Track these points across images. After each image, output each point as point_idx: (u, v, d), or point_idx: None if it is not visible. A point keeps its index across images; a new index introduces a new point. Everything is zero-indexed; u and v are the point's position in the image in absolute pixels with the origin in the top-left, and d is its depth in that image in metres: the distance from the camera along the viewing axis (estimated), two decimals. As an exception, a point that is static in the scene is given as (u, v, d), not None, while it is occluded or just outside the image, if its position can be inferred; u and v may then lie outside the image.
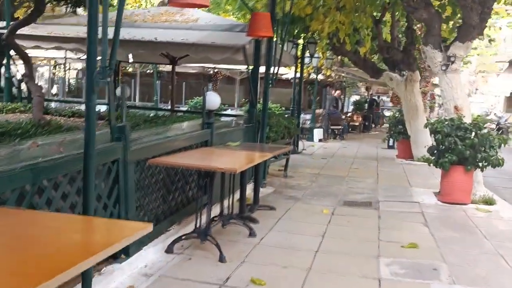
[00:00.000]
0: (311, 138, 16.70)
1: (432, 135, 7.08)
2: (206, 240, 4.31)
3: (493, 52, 31.79)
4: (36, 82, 6.84)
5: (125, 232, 2.03)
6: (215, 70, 22.21)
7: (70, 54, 17.02)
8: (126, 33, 7.47)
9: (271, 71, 7.39)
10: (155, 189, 4.34)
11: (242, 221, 4.98)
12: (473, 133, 6.67)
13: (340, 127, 18.23)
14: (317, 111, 18.78)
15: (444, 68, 7.23)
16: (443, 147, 6.85)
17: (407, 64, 11.23)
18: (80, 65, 24.18)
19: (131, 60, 11.55)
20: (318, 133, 16.85)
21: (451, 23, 8.57)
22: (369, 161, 11.78)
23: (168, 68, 20.29)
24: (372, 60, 13.00)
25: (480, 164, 6.75)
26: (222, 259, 4.09)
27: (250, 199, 6.31)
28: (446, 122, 6.82)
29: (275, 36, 7.39)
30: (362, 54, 11.17)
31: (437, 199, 7.15)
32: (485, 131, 6.80)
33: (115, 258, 3.63)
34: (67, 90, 25.13)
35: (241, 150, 5.32)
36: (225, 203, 5.17)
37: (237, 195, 5.77)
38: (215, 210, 5.11)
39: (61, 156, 3.05)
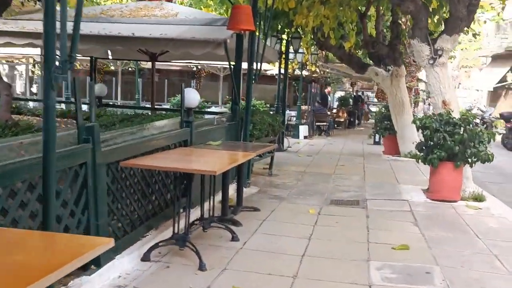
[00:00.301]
0: (296, 135, 16.48)
1: (420, 130, 6.88)
2: (185, 247, 4.03)
3: (476, 46, 31.90)
4: (5, 80, 6.49)
5: (82, 249, 1.76)
6: (199, 67, 21.86)
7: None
8: (102, 29, 7.17)
9: (254, 66, 7.12)
10: (129, 192, 4.05)
11: (224, 225, 4.71)
12: (462, 128, 6.48)
13: (325, 123, 18.04)
14: (303, 107, 18.58)
15: (431, 61, 7.03)
16: (432, 143, 6.65)
17: (392, 58, 11.05)
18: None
19: (110, 56, 11.21)
20: (303, 130, 16.63)
21: (436, 17, 8.37)
22: (356, 158, 11.59)
23: (149, 65, 19.96)
24: (357, 55, 12.80)
25: (470, 160, 6.57)
26: (202, 267, 3.82)
27: (234, 200, 6.06)
28: (435, 117, 6.62)
29: (257, 30, 7.12)
30: (347, 49, 10.96)
31: (426, 197, 6.96)
32: (498, 129, 6.62)
33: (84, 269, 3.34)
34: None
35: (223, 150, 5.05)
36: (206, 205, 4.90)
37: (219, 197, 5.51)
38: (196, 213, 4.84)
39: (18, 160, 2.75)
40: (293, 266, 4.05)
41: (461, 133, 6.39)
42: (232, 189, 6.76)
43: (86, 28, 7.37)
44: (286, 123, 18.01)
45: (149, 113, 8.70)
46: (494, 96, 31.88)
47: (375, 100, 25.70)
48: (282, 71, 13.18)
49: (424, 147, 6.82)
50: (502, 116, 19.13)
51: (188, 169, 3.68)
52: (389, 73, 11.47)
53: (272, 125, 8.01)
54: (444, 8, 7.46)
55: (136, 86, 18.78)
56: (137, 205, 4.20)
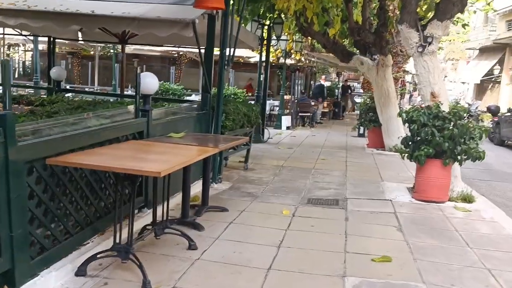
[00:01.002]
0: (279, 126, 15.89)
1: (407, 124, 6.30)
2: (128, 259, 3.41)
3: (464, 38, 31.49)
4: None
5: None
6: (180, 53, 21.05)
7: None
8: (58, 5, 6.43)
9: (227, 51, 6.47)
10: (63, 194, 3.39)
11: (179, 230, 4.08)
12: (452, 123, 5.92)
13: (309, 114, 17.46)
14: (286, 97, 17.97)
15: (420, 49, 6.44)
16: (419, 138, 6.10)
17: (379, 47, 10.45)
18: (40, 46, 22.63)
19: (80, 38, 10.45)
20: (286, 120, 16.03)
21: (427, 1, 7.77)
22: (338, 151, 11.03)
23: (128, 50, 19.11)
24: (343, 43, 12.17)
25: (459, 157, 6.03)
26: (145, 284, 3.20)
27: (200, 198, 5.45)
28: (422, 111, 6.05)
29: (231, 11, 6.46)
30: (331, 35, 10.33)
31: (411, 196, 6.41)
32: (465, 120, 6.07)
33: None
34: (22, 73, 23.59)
35: (184, 143, 4.41)
36: (166, 206, 4.27)
37: (179, 197, 4.89)
38: (147, 218, 4.22)
39: None
40: (256, 283, 3.45)
41: (451, 128, 5.82)
42: (199, 186, 6.16)
43: (40, 3, 6.68)
44: (269, 113, 17.48)
45: (108, 100, 8.00)
46: (481, 89, 31.62)
47: (361, 91, 25.13)
48: (264, 58, 12.54)
49: (410, 143, 6.26)
50: (489, 109, 18.75)
51: (125, 168, 3.04)
52: (375, 62, 10.86)
53: (247, 116, 7.38)
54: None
55: (113, 72, 17.96)
56: (74, 207, 3.55)
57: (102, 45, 18.03)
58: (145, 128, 4.58)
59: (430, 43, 6.41)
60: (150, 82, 4.58)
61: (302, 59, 21.85)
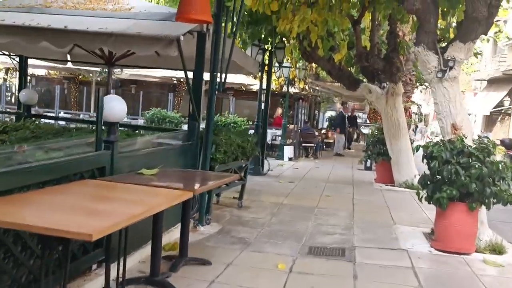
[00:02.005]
0: (281, 156, 15.03)
1: (425, 161, 5.41)
2: None
3: (473, 69, 30.79)
4: None
5: None
6: (181, 80, 20.36)
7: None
8: (29, 20, 5.68)
9: (218, 73, 5.66)
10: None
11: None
12: (480, 160, 5.02)
13: (312, 144, 16.60)
14: (289, 126, 17.16)
15: (439, 75, 5.61)
16: (440, 177, 5.19)
17: (388, 74, 9.66)
18: (38, 71, 22.09)
19: (69, 58, 9.70)
20: (288, 150, 15.17)
21: (443, 22, 6.97)
22: (344, 186, 10.11)
23: (126, 75, 18.45)
24: (349, 70, 11.39)
25: (488, 200, 5.11)
26: None
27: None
28: (444, 145, 5.16)
29: (224, 28, 5.69)
30: (336, 61, 9.55)
31: (430, 245, 5.46)
32: (496, 157, 5.18)
33: None
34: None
35: (154, 184, 3.54)
36: (131, 261, 3.36)
37: (147, 249, 3.98)
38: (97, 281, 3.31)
39: None
40: None
41: (479, 166, 4.92)
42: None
43: (9, 18, 5.93)
44: (271, 142, 16.64)
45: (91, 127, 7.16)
46: (489, 121, 30.73)
47: (367, 121, 24.29)
48: (265, 85, 11.77)
49: (429, 182, 5.35)
50: (503, 143, 17.86)
51: (43, 227, 2.16)
52: (384, 90, 10.07)
53: (242, 147, 6.51)
54: (456, 9, 6.05)
55: (109, 98, 17.23)
56: (-5, 272, 2.65)
57: (99, 69, 17.35)
58: (108, 163, 3.71)
59: (451, 68, 5.58)
60: (116, 107, 3.74)
61: (306, 87, 21.16)
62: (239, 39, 10.09)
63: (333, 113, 30.78)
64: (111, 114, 3.71)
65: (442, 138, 5.44)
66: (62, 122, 8.62)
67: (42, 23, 5.57)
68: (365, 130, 14.30)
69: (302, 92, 22.07)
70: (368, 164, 13.07)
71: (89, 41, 5.50)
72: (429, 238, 5.77)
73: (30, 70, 22.72)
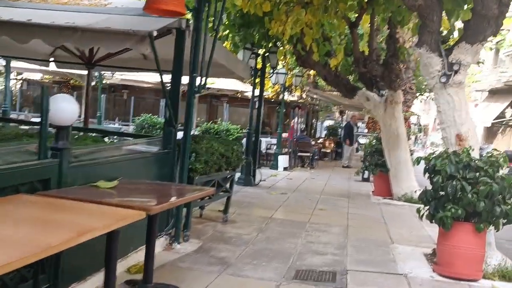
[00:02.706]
0: (275, 166, 14.47)
1: (427, 175, 4.84)
2: None
3: (474, 79, 30.31)
4: None
5: None
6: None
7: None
8: (-10, 13, 5.15)
9: (198, 75, 5.10)
10: None
11: None
12: (489, 176, 4.46)
13: (308, 154, 16.03)
14: (284, 135, 16.60)
15: (443, 79, 5.07)
16: (443, 193, 4.63)
17: (387, 81, 9.13)
18: (34, 75, 21.55)
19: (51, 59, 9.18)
20: (283, 160, 14.60)
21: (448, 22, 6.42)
22: (339, 199, 9.53)
23: (117, 80, 17.91)
24: (346, 76, 10.85)
25: (497, 220, 4.54)
26: None
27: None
28: (449, 157, 4.60)
29: (205, 24, 5.14)
30: (332, 67, 9.01)
31: (432, 269, 4.88)
32: (506, 171, 4.62)
33: None
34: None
35: (108, 198, 2.97)
36: None
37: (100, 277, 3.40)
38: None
39: None
40: None
41: (489, 182, 4.35)
42: (156, 246, 4.69)
43: (-31, 12, 5.40)
44: (265, 151, 16.08)
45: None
46: (490, 132, 30.19)
47: (365, 130, 23.69)
48: (258, 91, 11.23)
49: (431, 199, 4.78)
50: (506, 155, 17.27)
51: None
52: (382, 98, 9.54)
53: (226, 156, 5.95)
54: (461, 9, 5.50)
55: (99, 103, 16.67)
56: None
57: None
58: (54, 175, 3.14)
59: (456, 72, 5.04)
60: (65, 108, 3.18)
61: (304, 95, 20.63)
62: (229, 41, 9.58)
63: (331, 122, 30.24)
64: (59, 117, 3.15)
65: (446, 150, 4.87)
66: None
67: (4, 16, 5.02)
68: (363, 140, 13.76)
69: (299, 100, 21.55)
70: (366, 175, 12.51)
71: (53, 36, 4.93)
72: (431, 260, 5.19)
73: (26, 74, 22.28)
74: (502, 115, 26.71)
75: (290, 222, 6.92)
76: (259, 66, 10.81)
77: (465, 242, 4.57)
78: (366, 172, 11.93)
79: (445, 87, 5.09)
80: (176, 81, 5.21)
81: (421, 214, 4.91)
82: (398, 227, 7.08)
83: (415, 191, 8.00)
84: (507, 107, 26.35)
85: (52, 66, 10.50)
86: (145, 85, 19.27)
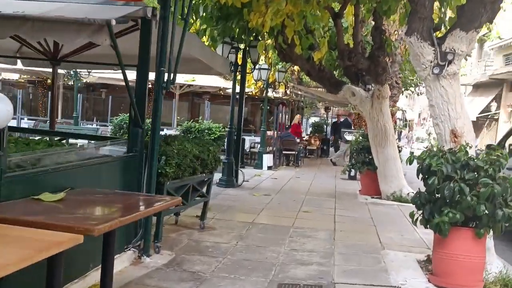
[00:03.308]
0: (259, 165, 13.99)
1: (420, 176, 4.39)
2: None
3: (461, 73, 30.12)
4: None
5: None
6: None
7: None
8: None
9: (166, 69, 4.59)
10: None
11: None
12: (490, 176, 4.02)
13: (294, 152, 15.58)
14: (269, 132, 16.14)
15: (436, 70, 4.62)
16: (438, 196, 4.18)
17: (374, 75, 8.70)
18: (11, 75, 20.71)
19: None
20: (267, 159, 14.13)
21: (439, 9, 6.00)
22: (325, 200, 9.08)
23: (94, 79, 17.25)
24: (331, 69, 10.37)
25: (499, 225, 4.11)
26: None
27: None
28: (444, 155, 4.15)
29: (172, 13, 4.63)
30: (316, 60, 8.55)
31: (427, 279, 4.44)
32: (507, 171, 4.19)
33: None
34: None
35: (43, 216, 2.46)
36: None
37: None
38: None
39: None
40: None
41: (490, 184, 3.91)
42: (122, 261, 4.21)
43: None
44: (249, 150, 15.58)
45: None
46: (475, 126, 29.94)
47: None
48: (239, 87, 10.74)
49: (426, 203, 4.33)
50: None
51: None
52: (369, 93, 9.10)
53: (201, 159, 5.44)
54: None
55: (75, 102, 16.04)
56: None
57: (64, 72, 16.12)
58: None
59: (450, 62, 4.60)
60: (-5, 108, 2.65)
61: (288, 92, 20.18)
62: (207, 36, 9.05)
63: (317, 119, 29.84)
64: (-13, 118, 2.62)
65: (441, 148, 4.42)
66: None
67: None
68: (349, 137, 13.38)
69: (284, 97, 21.10)
70: (352, 173, 12.09)
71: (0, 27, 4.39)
72: (425, 268, 4.75)
73: (4, 75, 21.40)
74: (487, 109, 26.58)
75: (273, 227, 6.44)
76: (240, 61, 10.30)
77: (464, 249, 4.14)
78: (353, 170, 11.49)
79: (438, 78, 4.64)
80: (142, 76, 4.70)
81: (414, 219, 4.46)
82: (389, 230, 6.65)
83: (408, 193, 7.60)
84: (492, 100, 26.23)
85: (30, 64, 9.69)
86: (124, 83, 18.64)
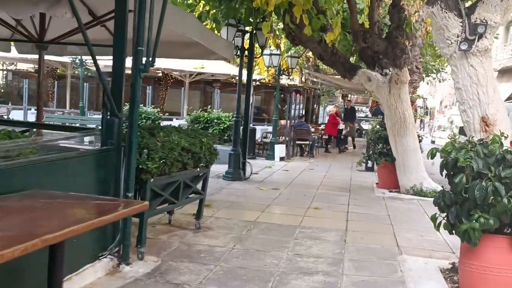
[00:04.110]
0: (271, 156, 13.33)
1: (444, 172, 3.68)
2: None
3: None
4: None
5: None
6: (165, 72, 18.58)
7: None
8: None
9: (144, 48, 3.93)
10: None
11: None
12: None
13: (308, 142, 14.86)
14: (281, 122, 15.44)
15: (464, 46, 3.88)
16: (467, 196, 3.46)
17: (391, 57, 7.92)
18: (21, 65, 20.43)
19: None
20: (279, 149, 13.45)
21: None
22: (339, 194, 8.38)
23: (101, 67, 16.68)
24: (347, 55, 9.60)
25: (541, 232, 3.38)
26: None
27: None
28: (475, 150, 3.42)
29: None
30: (329, 42, 7.80)
31: (453, 294, 3.75)
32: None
33: None
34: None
35: None
36: None
37: None
38: None
39: None
40: None
41: (532, 183, 3.18)
42: (95, 271, 3.62)
43: None
44: (261, 140, 14.92)
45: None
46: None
47: (370, 115, 22.40)
48: (246, 73, 10.04)
49: (451, 204, 3.62)
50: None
51: None
52: (386, 78, 8.34)
53: (192, 152, 4.80)
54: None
55: (81, 92, 15.54)
56: None
57: (69, 61, 15.63)
58: None
59: (481, 36, 3.84)
60: None
61: (303, 79, 19.41)
62: (210, 18, 8.38)
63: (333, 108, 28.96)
64: None
65: (469, 139, 3.68)
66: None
67: None
68: (366, 126, 12.59)
69: (299, 84, 20.34)
70: (370, 164, 11.34)
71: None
72: (450, 280, 4.05)
73: (21, 65, 21.03)
74: (513, 95, 25.34)
75: (277, 227, 5.78)
76: (247, 45, 9.61)
77: (497, 261, 3.43)
78: (370, 162, 10.74)
79: (466, 56, 3.90)
80: (118, 57, 4.06)
81: (437, 223, 3.75)
82: (407, 230, 5.95)
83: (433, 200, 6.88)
84: (519, 86, 24.98)
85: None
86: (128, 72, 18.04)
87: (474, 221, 3.30)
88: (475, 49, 3.87)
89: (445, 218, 3.71)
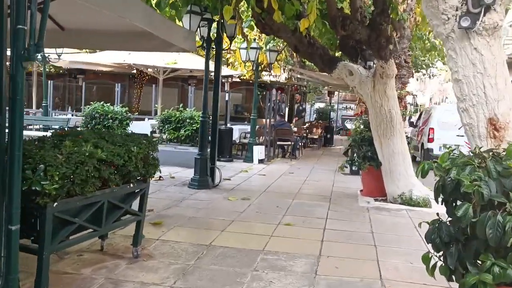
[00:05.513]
0: (250, 158, 12.30)
1: (442, 196, 2.63)
2: None
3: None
4: None
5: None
6: (140, 70, 17.40)
7: None
8: None
9: (26, 27, 2.84)
10: None
11: None
12: None
13: (290, 142, 13.84)
14: (261, 121, 14.42)
15: (465, 22, 2.85)
16: (474, 234, 2.42)
17: (375, 47, 6.89)
18: None
19: None
20: (258, 151, 12.41)
21: None
22: (317, 204, 7.33)
23: (65, 63, 15.52)
24: (326, 47, 8.53)
25: None
26: None
27: None
28: (484, 167, 2.38)
29: None
30: (303, 30, 6.73)
31: None
32: None
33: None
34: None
35: None
36: None
37: None
38: None
39: None
40: None
41: None
42: None
43: None
44: (239, 141, 13.89)
45: None
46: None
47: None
48: (214, 67, 8.97)
49: (450, 243, 2.57)
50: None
51: None
52: (370, 71, 7.31)
53: (115, 165, 3.72)
54: None
55: (45, 90, 14.35)
56: None
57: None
58: None
59: (488, 9, 2.81)
60: None
61: (286, 76, 18.36)
62: (167, 3, 7.27)
63: (322, 105, 27.97)
64: None
65: (476, 151, 2.64)
66: None
67: None
68: (349, 125, 11.59)
69: (283, 81, 19.29)
70: (354, 167, 10.32)
71: None
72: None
73: None
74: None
75: (235, 253, 4.72)
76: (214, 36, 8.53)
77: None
78: (353, 166, 9.72)
79: (468, 36, 2.86)
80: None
81: (430, 266, 2.71)
82: (393, 253, 4.92)
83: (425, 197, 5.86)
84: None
85: None
86: (104, 68, 16.88)
87: (486, 272, 2.27)
88: (480, 26, 2.84)
89: (441, 258, 2.68)
